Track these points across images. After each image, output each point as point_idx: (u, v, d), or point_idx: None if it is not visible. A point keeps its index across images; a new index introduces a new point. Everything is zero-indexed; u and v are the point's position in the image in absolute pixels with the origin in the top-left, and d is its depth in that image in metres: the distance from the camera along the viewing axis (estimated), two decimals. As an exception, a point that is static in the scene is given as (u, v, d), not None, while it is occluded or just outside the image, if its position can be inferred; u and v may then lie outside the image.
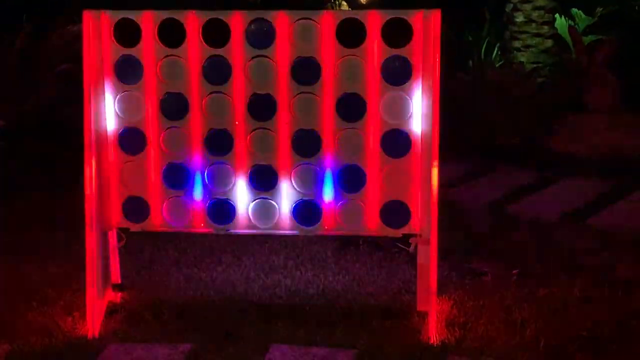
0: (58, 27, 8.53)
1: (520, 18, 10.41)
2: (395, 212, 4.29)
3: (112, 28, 4.23)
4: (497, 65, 10.46)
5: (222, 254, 5.39)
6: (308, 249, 5.44)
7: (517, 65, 9.64)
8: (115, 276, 4.69)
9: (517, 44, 10.50)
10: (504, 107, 8.33)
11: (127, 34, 4.28)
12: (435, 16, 4.06)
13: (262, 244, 5.51)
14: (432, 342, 4.14)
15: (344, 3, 18.28)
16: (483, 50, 11.24)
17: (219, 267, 5.18)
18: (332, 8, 15.60)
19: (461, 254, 5.42)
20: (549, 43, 10.48)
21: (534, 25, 10.39)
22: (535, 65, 9.95)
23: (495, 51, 11.24)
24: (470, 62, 10.27)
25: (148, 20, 4.22)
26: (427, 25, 4.09)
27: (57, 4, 9.19)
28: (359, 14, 4.16)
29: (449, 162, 7.65)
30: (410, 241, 4.36)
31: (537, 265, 5.22)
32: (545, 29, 10.43)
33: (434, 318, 4.20)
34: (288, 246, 5.47)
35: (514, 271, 5.10)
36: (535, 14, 10.39)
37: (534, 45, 10.42)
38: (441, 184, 6.38)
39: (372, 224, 4.33)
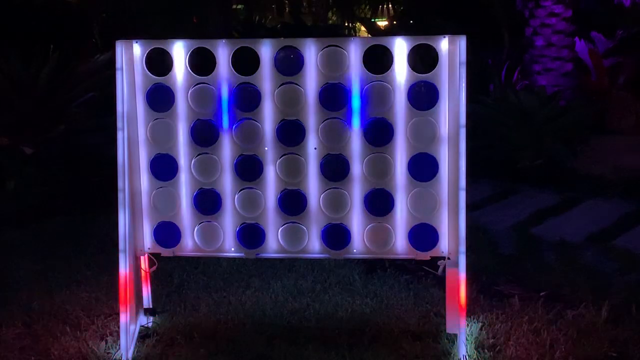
0: (84, 56, 8.67)
1: (540, 42, 10.45)
2: (424, 235, 4.34)
3: (143, 57, 4.33)
4: (517, 89, 10.49)
5: (250, 277, 5.45)
6: (335, 272, 5.49)
7: (539, 88, 9.67)
8: (147, 301, 4.76)
9: (537, 67, 10.52)
10: (526, 129, 8.36)
11: (158, 63, 4.38)
12: (460, 41, 4.13)
13: (290, 267, 5.56)
14: (462, 364, 4.18)
15: (363, 28, 18.44)
16: (503, 73, 11.30)
17: (247, 291, 5.23)
18: (352, 33, 15.72)
19: (488, 276, 5.45)
20: (569, 66, 10.51)
21: (554, 48, 10.42)
22: (555, 89, 9.97)
23: (515, 75, 11.29)
24: (491, 85, 10.33)
25: (179, 50, 4.31)
26: (453, 51, 4.15)
27: (84, 34, 9.37)
28: (385, 41, 4.24)
29: (473, 185, 7.72)
30: (438, 264, 4.40)
31: (564, 286, 5.23)
32: (565, 52, 10.46)
33: (464, 340, 4.23)
34: (315, 270, 5.52)
35: (541, 293, 5.12)
36: (555, 38, 10.43)
37: (554, 68, 10.44)
38: (466, 206, 6.44)
39: (401, 247, 4.38)
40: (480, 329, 4.56)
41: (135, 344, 4.47)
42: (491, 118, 8.60)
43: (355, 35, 15.26)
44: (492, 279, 5.42)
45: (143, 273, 4.66)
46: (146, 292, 4.75)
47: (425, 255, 4.38)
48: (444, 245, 4.34)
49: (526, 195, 7.59)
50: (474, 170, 7.84)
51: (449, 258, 4.34)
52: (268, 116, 4.33)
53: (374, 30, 16.97)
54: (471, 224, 6.55)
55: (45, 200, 7.38)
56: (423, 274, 5.41)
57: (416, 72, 4.23)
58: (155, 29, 9.82)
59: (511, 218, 6.86)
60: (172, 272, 5.54)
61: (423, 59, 4.51)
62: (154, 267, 4.64)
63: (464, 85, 4.15)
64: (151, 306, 4.79)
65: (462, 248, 4.22)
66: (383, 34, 16.15)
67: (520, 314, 4.75)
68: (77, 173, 7.55)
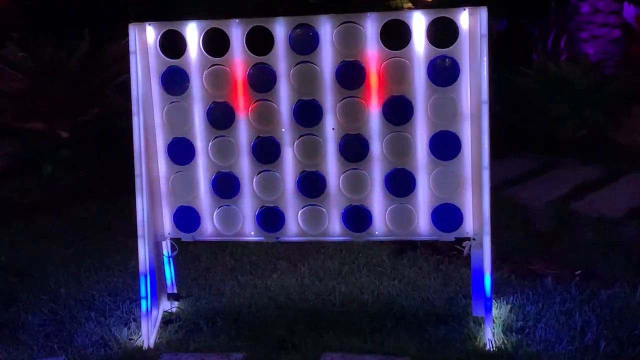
0: (117, 38, 8.65)
1: (586, 8, 10.11)
2: (447, 216, 4.20)
3: (157, 40, 4.25)
4: (562, 58, 10.18)
5: (277, 260, 5.37)
6: (364, 253, 5.37)
7: (582, 57, 9.36)
8: (171, 286, 4.72)
9: (583, 35, 10.19)
10: (568, 100, 8.11)
11: (173, 45, 4.31)
12: (481, 13, 3.96)
13: (319, 249, 5.46)
14: (488, 348, 4.04)
15: (410, 4, 18.08)
16: (550, 42, 10.97)
17: (274, 274, 5.16)
18: (400, 6, 15.44)
19: (522, 255, 5.30)
20: (617, 33, 10.15)
21: (600, 15, 10.07)
22: (602, 56, 9.64)
23: (562, 43, 10.95)
24: (535, 54, 10.03)
25: (192, 31, 4.22)
26: (474, 23, 3.99)
27: (117, 16, 9.33)
28: (403, 15, 4.08)
29: (511, 158, 7.56)
30: (463, 245, 4.26)
31: (601, 265, 5.05)
32: (613, 18, 10.10)
33: (490, 324, 4.09)
34: (344, 251, 5.42)
35: (576, 272, 4.95)
36: (601, 3, 10.08)
37: (601, 35, 10.10)
38: (503, 181, 6.28)
39: (423, 229, 4.25)
40: (510, 311, 4.41)
41: (158, 329, 4.44)
42: (532, 89, 8.35)
43: (404, 8, 14.94)
44: (526, 257, 5.26)
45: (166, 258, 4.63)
46: (170, 277, 4.71)
47: (449, 237, 4.25)
48: (469, 225, 4.20)
49: (567, 168, 7.36)
50: (514, 143, 7.68)
51: (474, 239, 4.20)
52: (284, 97, 4.22)
53: (418, 2, 16.65)
54: (508, 199, 6.44)
55: (81, 184, 7.40)
56: (455, 253, 5.27)
57: (436, 46, 4.07)
58: (189, 9, 9.76)
59: (550, 193, 6.64)
60: (200, 255, 5.50)
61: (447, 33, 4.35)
62: (175, 252, 4.59)
63: (485, 59, 3.98)
64: (175, 291, 4.75)
65: (487, 229, 4.08)
66: (429, 7, 15.84)
67: (552, 295, 4.60)
68: (111, 156, 7.54)
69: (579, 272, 4.94)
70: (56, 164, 7.65)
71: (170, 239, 4.53)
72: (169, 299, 4.68)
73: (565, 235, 5.68)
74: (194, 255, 5.47)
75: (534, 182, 7.07)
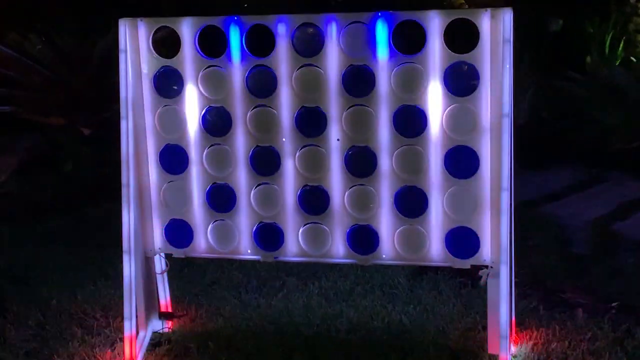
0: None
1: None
2: (462, 240, 3.76)
3: (149, 38, 3.89)
4: (617, 62, 9.56)
5: (287, 277, 4.98)
6: (381, 273, 4.95)
7: (636, 63, 8.77)
8: (164, 304, 4.37)
9: (642, 37, 9.60)
10: (620, 109, 7.54)
11: (166, 43, 3.96)
12: (504, 16, 3.51)
13: (332, 267, 5.03)
14: (500, 392, 3.60)
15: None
16: (607, 44, 10.35)
17: (280, 292, 4.77)
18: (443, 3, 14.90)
19: (554, 281, 4.83)
20: (677, 36, 9.54)
21: (660, 17, 9.47)
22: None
23: (621, 46, 10.32)
24: (588, 58, 9.45)
25: (187, 28, 3.85)
26: (496, 27, 3.53)
27: (148, 9, 9.06)
28: (417, 15, 3.64)
29: (555, 170, 7.07)
30: (479, 273, 3.80)
31: (641, 297, 4.56)
32: (673, 20, 9.49)
33: (505, 364, 3.64)
34: (359, 270, 4.99)
35: (613, 304, 4.45)
36: (662, 5, 9.48)
37: (660, 38, 9.50)
38: (542, 196, 5.80)
39: (436, 254, 3.81)
40: (531, 349, 3.95)
41: (145, 352, 4.09)
42: (581, 96, 7.80)
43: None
44: (559, 285, 4.79)
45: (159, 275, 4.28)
46: (163, 294, 4.36)
47: (465, 264, 3.80)
48: (487, 252, 3.75)
49: (615, 183, 6.85)
50: (559, 154, 7.17)
51: (491, 267, 3.75)
52: (285, 103, 3.82)
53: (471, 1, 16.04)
54: (545, 217, 5.95)
55: (99, 183, 7.10)
56: (480, 277, 4.80)
57: (453, 52, 3.63)
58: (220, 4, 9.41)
59: (593, 211, 6.13)
60: (206, 269, 5.15)
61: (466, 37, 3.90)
62: (167, 269, 4.25)
63: (508, 66, 3.53)
64: (169, 310, 4.40)
65: (504, 257, 3.62)
66: (480, 5, 15.25)
67: (582, 331, 4.13)
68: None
69: (616, 304, 4.45)
70: (76, 161, 7.38)
71: (162, 254, 4.18)
72: (160, 319, 4.33)
73: (605, 260, 5.17)
74: (200, 269, 5.12)
75: (576, 197, 6.57)
